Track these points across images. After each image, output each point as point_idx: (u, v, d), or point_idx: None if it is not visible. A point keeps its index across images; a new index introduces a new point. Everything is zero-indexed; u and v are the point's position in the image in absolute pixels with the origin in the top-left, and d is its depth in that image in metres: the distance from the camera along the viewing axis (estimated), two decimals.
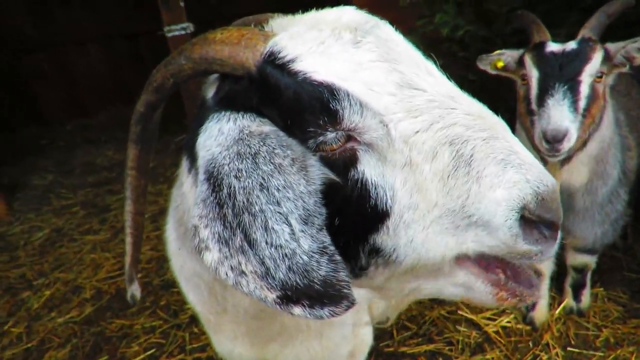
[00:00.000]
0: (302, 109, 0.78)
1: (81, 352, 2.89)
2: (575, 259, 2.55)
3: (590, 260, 2.53)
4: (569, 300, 2.71)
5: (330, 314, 0.71)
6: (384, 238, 0.83)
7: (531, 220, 0.78)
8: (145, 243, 3.88)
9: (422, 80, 0.81)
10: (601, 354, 2.44)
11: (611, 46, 1.98)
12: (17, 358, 2.89)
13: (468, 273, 0.86)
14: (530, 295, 0.85)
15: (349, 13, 0.89)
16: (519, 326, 2.67)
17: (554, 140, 1.79)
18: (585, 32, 1.99)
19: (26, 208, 4.80)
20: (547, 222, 0.78)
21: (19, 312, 3.32)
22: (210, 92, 0.95)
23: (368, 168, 0.81)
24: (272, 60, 0.81)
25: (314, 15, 0.91)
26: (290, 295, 0.70)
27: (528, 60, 2.01)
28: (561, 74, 1.87)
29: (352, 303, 0.73)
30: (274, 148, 0.76)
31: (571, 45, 1.95)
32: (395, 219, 0.81)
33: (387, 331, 2.76)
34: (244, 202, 0.72)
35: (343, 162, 0.80)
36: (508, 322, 2.71)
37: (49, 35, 6.91)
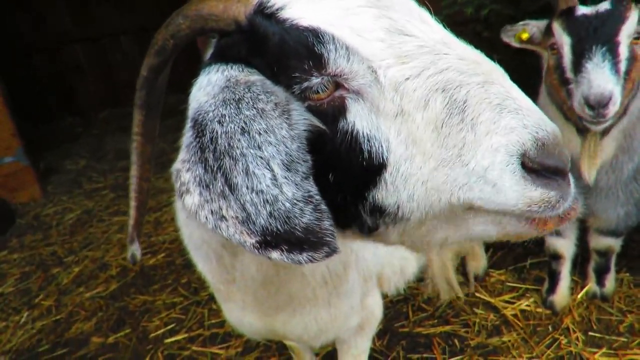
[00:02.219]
0: (288, 54, 0.77)
1: (106, 325, 3.00)
2: (599, 242, 2.46)
3: (614, 244, 2.44)
4: (592, 285, 2.62)
5: (308, 259, 0.71)
6: (383, 194, 0.81)
7: (534, 170, 0.71)
8: (169, 224, 3.99)
9: (414, 26, 0.78)
10: (624, 340, 2.35)
11: None
12: (47, 328, 3.03)
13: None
14: (570, 208, 0.74)
15: None
16: (539, 310, 2.61)
17: (599, 105, 1.66)
18: None
19: (59, 191, 5.01)
20: (551, 169, 0.71)
21: (49, 286, 3.47)
22: (208, 54, 0.95)
23: (359, 118, 0.79)
24: (262, 10, 0.81)
25: None
26: (269, 241, 0.70)
27: (557, 27, 1.88)
28: (597, 36, 1.75)
29: (333, 251, 0.72)
30: (257, 94, 0.75)
31: (604, 5, 1.81)
32: (392, 172, 0.78)
33: (403, 312, 2.75)
34: (225, 146, 0.71)
35: (332, 112, 0.79)
36: (527, 305, 2.64)
37: (85, 29, 7.14)
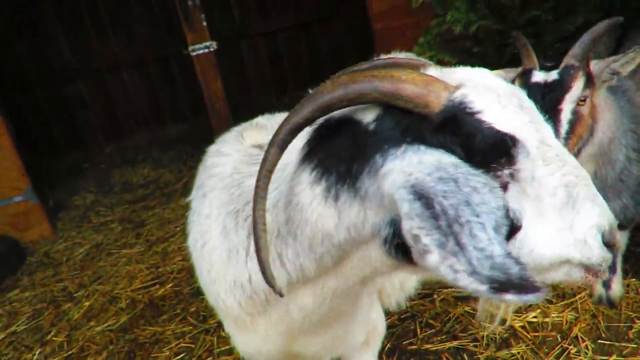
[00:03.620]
0: (490, 150, 1.00)
1: (117, 358, 3.03)
2: None
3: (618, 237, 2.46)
4: (598, 288, 2.62)
5: (536, 298, 0.85)
6: (510, 248, 1.01)
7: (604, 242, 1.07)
8: (177, 254, 4.03)
9: (550, 139, 1.08)
10: (634, 346, 2.34)
11: (596, 66, 2.10)
12: None
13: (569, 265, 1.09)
14: (603, 272, 1.09)
15: (497, 78, 1.13)
16: (546, 320, 2.60)
17: None
18: (568, 59, 2.09)
19: (68, 226, 5.08)
20: (610, 244, 1.07)
21: (60, 322, 3.51)
22: (366, 116, 1.08)
23: (511, 197, 1.02)
24: (463, 108, 1.01)
25: (470, 74, 1.11)
26: (497, 287, 0.86)
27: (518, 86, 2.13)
28: (543, 104, 2.01)
29: (544, 292, 0.88)
30: (466, 174, 0.96)
31: (553, 75, 2.08)
32: (522, 233, 1.03)
33: (411, 329, 2.75)
34: (454, 215, 0.91)
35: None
36: (534, 317, 2.64)
37: (87, 64, 7.31)
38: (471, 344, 2.57)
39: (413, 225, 0.92)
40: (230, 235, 1.33)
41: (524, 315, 2.65)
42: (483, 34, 3.53)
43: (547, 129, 1.10)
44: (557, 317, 2.62)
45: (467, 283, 0.87)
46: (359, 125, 1.07)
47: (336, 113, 1.12)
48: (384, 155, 1.01)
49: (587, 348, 2.38)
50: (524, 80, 2.14)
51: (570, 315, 2.61)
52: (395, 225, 1.01)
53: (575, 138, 2.04)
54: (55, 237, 4.89)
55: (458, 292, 2.95)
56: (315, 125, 1.16)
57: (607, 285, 2.59)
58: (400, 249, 1.02)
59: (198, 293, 3.45)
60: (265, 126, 1.82)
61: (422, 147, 0.99)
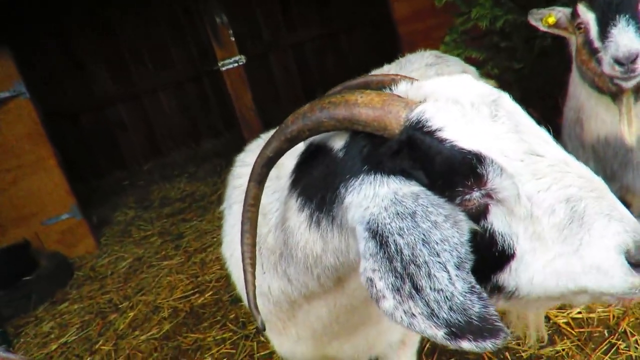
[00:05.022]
0: (452, 171, 0.90)
1: None
2: None
3: None
4: None
5: (492, 345, 0.80)
6: (506, 277, 0.94)
7: (631, 263, 0.88)
8: (214, 263, 4.12)
9: (542, 148, 0.94)
10: None
11: None
12: None
13: None
14: None
15: (473, 85, 1.00)
16: (592, 315, 2.51)
17: (628, 60, 1.87)
18: None
19: (111, 241, 5.28)
20: None
21: (108, 332, 3.65)
22: (337, 143, 1.04)
23: (496, 219, 0.92)
24: (420, 128, 0.92)
25: (439, 84, 1.00)
26: (455, 332, 0.81)
27: (582, 8, 2.14)
28: (619, 8, 1.97)
29: (506, 334, 0.82)
30: (427, 207, 0.88)
31: None
32: (517, 260, 0.92)
33: None
34: (409, 256, 0.84)
35: (476, 213, 0.92)
36: (579, 312, 2.55)
37: (126, 88, 7.65)
38: (514, 342, 2.50)
39: (367, 267, 0.85)
40: None
41: (568, 312, 2.57)
42: (510, 28, 3.49)
43: (538, 136, 0.95)
44: (604, 312, 2.52)
45: (424, 327, 0.82)
46: (331, 152, 1.05)
47: (315, 138, 1.09)
48: (345, 186, 0.96)
49: (637, 342, 2.27)
50: None
51: (618, 309, 2.51)
52: None
53: None
54: (99, 251, 5.09)
55: None
56: (302, 148, 1.15)
57: None
58: None
59: (237, 300, 3.51)
60: None
61: (379, 177, 0.92)
